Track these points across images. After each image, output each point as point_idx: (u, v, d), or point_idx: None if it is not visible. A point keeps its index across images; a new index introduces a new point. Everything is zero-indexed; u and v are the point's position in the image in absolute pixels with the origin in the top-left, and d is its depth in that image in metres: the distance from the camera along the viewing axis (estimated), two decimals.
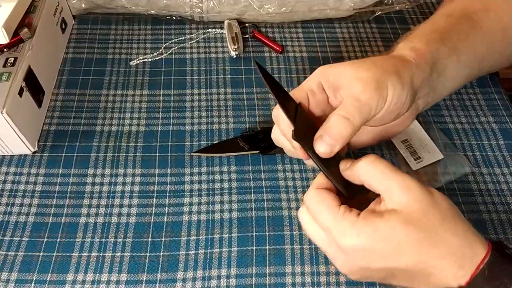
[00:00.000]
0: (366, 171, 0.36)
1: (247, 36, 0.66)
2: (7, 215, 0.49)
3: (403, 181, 0.34)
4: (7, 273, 0.45)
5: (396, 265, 0.34)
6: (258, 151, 0.54)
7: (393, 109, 0.39)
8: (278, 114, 0.40)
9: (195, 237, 0.48)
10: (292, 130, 0.37)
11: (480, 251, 0.34)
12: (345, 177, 0.37)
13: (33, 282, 0.45)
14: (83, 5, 0.66)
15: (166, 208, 0.50)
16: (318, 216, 0.36)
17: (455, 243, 0.33)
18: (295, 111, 0.38)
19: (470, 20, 0.48)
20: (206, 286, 0.45)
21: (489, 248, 0.34)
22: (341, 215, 0.35)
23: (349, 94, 0.38)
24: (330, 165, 0.38)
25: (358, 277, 0.37)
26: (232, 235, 0.48)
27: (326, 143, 0.37)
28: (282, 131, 0.40)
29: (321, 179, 0.38)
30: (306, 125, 0.38)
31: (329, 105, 0.40)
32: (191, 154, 0.54)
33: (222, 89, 0.60)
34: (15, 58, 0.52)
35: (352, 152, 0.54)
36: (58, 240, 0.48)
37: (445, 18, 0.48)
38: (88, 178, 0.52)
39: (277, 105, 0.39)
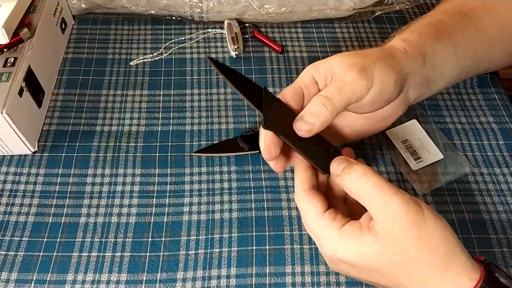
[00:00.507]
0: (357, 186, 0.35)
1: (247, 36, 0.66)
2: (7, 215, 0.49)
3: (388, 202, 0.33)
4: (7, 273, 0.45)
5: (375, 281, 0.36)
6: (258, 151, 0.54)
7: (380, 93, 0.39)
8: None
9: (195, 237, 0.48)
10: (262, 119, 0.37)
11: (468, 281, 0.33)
12: (337, 182, 0.37)
13: (33, 282, 0.45)
14: (83, 5, 0.66)
15: (166, 208, 0.50)
16: (307, 220, 0.37)
17: (435, 271, 0.33)
18: (262, 100, 0.38)
19: (467, 17, 0.48)
20: (206, 286, 0.45)
21: (481, 276, 0.33)
22: (325, 223, 0.35)
23: (334, 79, 0.39)
24: (308, 147, 0.38)
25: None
26: (232, 235, 0.48)
27: (305, 120, 0.37)
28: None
29: (304, 174, 0.38)
30: (280, 112, 0.38)
31: None
32: (191, 154, 0.54)
33: (222, 89, 0.60)
34: (15, 58, 0.52)
35: None
36: (58, 240, 0.48)
37: (441, 14, 0.48)
38: (88, 178, 0.52)
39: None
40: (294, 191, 0.51)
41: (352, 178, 0.35)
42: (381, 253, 0.33)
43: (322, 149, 0.39)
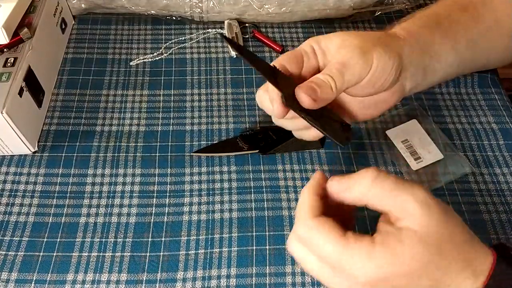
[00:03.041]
0: (372, 192, 0.33)
1: (247, 36, 0.66)
2: (7, 215, 0.49)
3: (417, 196, 0.32)
4: (7, 273, 0.45)
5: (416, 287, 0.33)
6: (257, 151, 0.54)
7: (378, 76, 0.39)
8: (267, 86, 0.40)
9: (195, 237, 0.48)
10: (282, 97, 0.37)
11: (488, 259, 0.33)
12: (340, 199, 0.34)
13: (33, 282, 0.45)
14: (83, 5, 0.66)
15: (166, 208, 0.50)
16: (321, 249, 0.32)
17: (468, 255, 0.33)
18: (276, 77, 0.38)
19: (466, 10, 0.49)
20: (206, 286, 0.45)
21: (495, 256, 0.33)
22: (353, 244, 0.32)
23: (335, 58, 0.39)
24: (323, 121, 0.38)
25: None
26: (232, 235, 0.48)
27: (311, 87, 0.37)
28: (271, 99, 0.40)
29: (314, 202, 0.34)
30: (289, 87, 0.38)
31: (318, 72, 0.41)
32: (191, 154, 0.54)
33: (222, 89, 0.61)
34: (15, 58, 0.52)
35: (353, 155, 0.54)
36: (58, 240, 0.48)
37: (440, 7, 0.49)
38: (88, 178, 0.52)
39: (266, 85, 0.39)
40: (294, 191, 0.51)
41: (370, 183, 0.33)
42: (433, 252, 0.31)
43: (336, 123, 0.39)
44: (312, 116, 0.38)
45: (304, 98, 0.36)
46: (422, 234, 0.31)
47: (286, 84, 0.38)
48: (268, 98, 0.40)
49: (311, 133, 0.43)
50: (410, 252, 0.31)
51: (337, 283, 0.33)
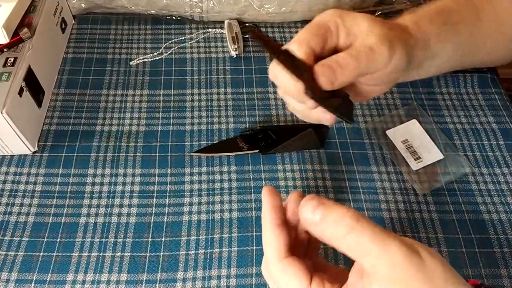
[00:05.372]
0: (346, 240, 0.29)
1: (247, 36, 0.66)
2: (7, 215, 0.49)
3: (391, 257, 0.28)
4: (7, 273, 0.45)
5: None
6: (257, 151, 0.54)
7: (393, 70, 0.39)
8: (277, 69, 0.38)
9: (195, 237, 0.48)
10: (305, 88, 0.36)
11: None
12: (310, 232, 0.31)
13: (33, 282, 0.45)
14: (83, 5, 0.66)
15: (166, 208, 0.50)
16: None
17: None
18: (291, 62, 0.37)
19: (472, 6, 0.48)
20: (206, 286, 0.45)
21: None
22: None
23: (362, 42, 0.37)
24: (332, 101, 0.37)
25: None
26: (232, 235, 0.48)
27: (330, 66, 0.36)
28: (285, 89, 0.39)
29: (279, 239, 0.33)
30: (302, 68, 0.37)
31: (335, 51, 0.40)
32: (191, 154, 0.54)
33: (222, 89, 0.60)
34: (15, 58, 0.52)
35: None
36: (58, 240, 0.48)
37: (451, 1, 0.48)
38: (88, 178, 0.52)
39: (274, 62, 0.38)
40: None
41: (338, 234, 0.29)
42: None
43: (338, 99, 0.38)
44: (321, 99, 0.36)
45: (322, 79, 0.35)
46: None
47: (297, 65, 0.37)
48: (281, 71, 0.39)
49: (317, 114, 0.39)
50: None
51: None
